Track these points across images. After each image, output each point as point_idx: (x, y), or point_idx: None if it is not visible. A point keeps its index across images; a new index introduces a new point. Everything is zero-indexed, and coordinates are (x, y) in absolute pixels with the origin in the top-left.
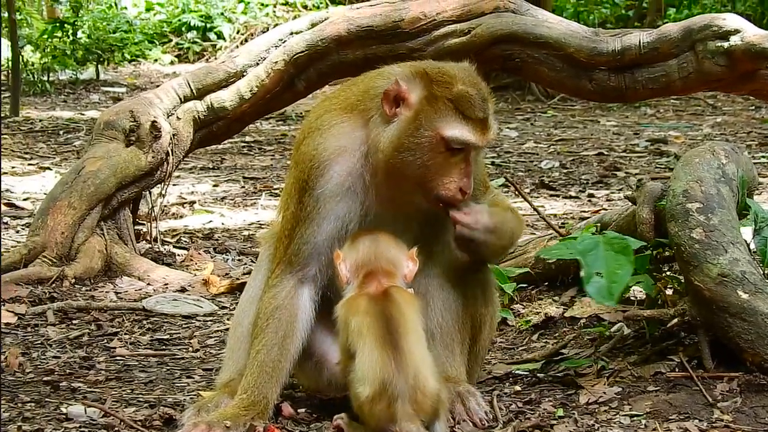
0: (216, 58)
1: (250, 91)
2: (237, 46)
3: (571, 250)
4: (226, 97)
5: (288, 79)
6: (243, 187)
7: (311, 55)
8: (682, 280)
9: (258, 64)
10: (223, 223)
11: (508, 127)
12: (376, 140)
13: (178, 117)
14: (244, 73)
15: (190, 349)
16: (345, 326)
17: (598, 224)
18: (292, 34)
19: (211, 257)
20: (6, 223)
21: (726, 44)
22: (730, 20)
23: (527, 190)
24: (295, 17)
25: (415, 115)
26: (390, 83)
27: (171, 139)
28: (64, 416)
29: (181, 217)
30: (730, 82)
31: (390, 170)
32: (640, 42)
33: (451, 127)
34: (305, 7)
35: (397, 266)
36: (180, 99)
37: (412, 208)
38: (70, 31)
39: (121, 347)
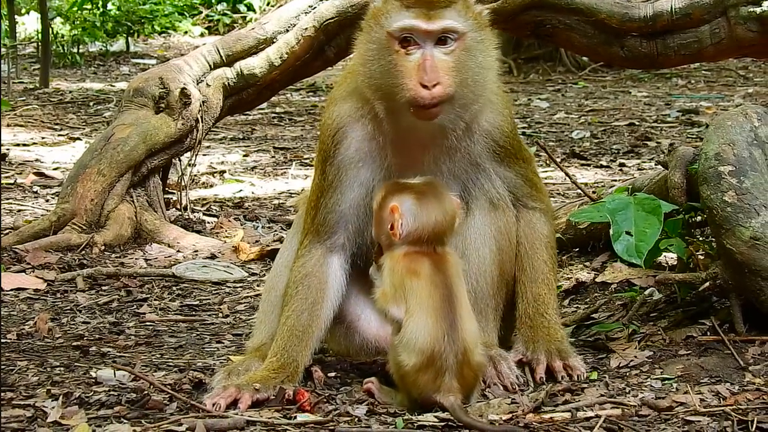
0: None
1: (280, 57)
2: None
3: (601, 212)
4: (255, 64)
5: (318, 46)
6: (273, 157)
7: (341, 22)
8: (714, 244)
9: (288, 30)
10: (253, 192)
11: (539, 98)
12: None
13: (207, 84)
14: (274, 40)
15: (220, 314)
16: (394, 274)
17: (629, 188)
18: (322, 0)
19: (241, 225)
20: (36, 192)
21: (758, 9)
22: None
23: (558, 160)
24: None
25: (368, 26)
26: None
27: (200, 106)
28: (93, 380)
29: (211, 186)
30: (762, 48)
31: (376, 98)
32: (671, 7)
33: (393, 20)
34: None
35: (453, 230)
36: (209, 66)
37: (430, 161)
38: (100, 3)
39: (150, 313)
